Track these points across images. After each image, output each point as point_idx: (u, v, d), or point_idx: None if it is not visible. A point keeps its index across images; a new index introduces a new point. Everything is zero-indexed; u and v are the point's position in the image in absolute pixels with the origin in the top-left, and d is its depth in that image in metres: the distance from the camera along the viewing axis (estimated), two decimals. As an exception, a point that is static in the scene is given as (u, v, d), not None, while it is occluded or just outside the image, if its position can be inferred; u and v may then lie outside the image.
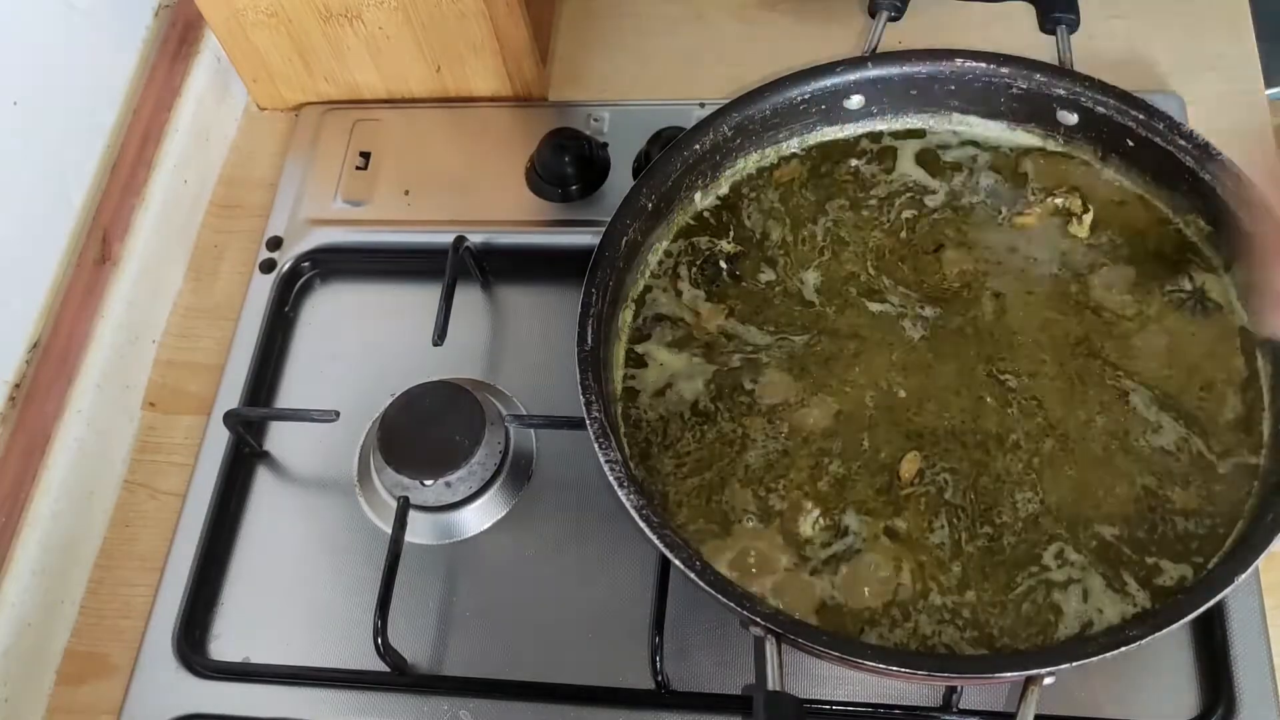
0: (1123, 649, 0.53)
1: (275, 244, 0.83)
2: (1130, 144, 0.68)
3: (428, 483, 0.70)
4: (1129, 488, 0.61)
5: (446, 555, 0.72)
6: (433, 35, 0.83)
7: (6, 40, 0.72)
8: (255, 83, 0.90)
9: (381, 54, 0.85)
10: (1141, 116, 0.67)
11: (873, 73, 0.71)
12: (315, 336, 0.81)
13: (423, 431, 0.71)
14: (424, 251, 0.80)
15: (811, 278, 0.70)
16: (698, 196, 0.72)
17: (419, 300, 0.79)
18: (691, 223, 0.72)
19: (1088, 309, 0.67)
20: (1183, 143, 0.65)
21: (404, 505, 0.70)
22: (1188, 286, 0.67)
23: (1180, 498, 0.61)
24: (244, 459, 0.76)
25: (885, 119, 0.74)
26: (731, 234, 0.71)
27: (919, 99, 0.73)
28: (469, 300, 0.80)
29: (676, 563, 0.56)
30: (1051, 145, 0.72)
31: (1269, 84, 0.82)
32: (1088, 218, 0.69)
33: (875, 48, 0.73)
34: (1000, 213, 0.71)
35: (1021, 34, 0.81)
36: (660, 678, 0.64)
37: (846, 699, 0.65)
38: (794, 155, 0.74)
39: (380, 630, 0.65)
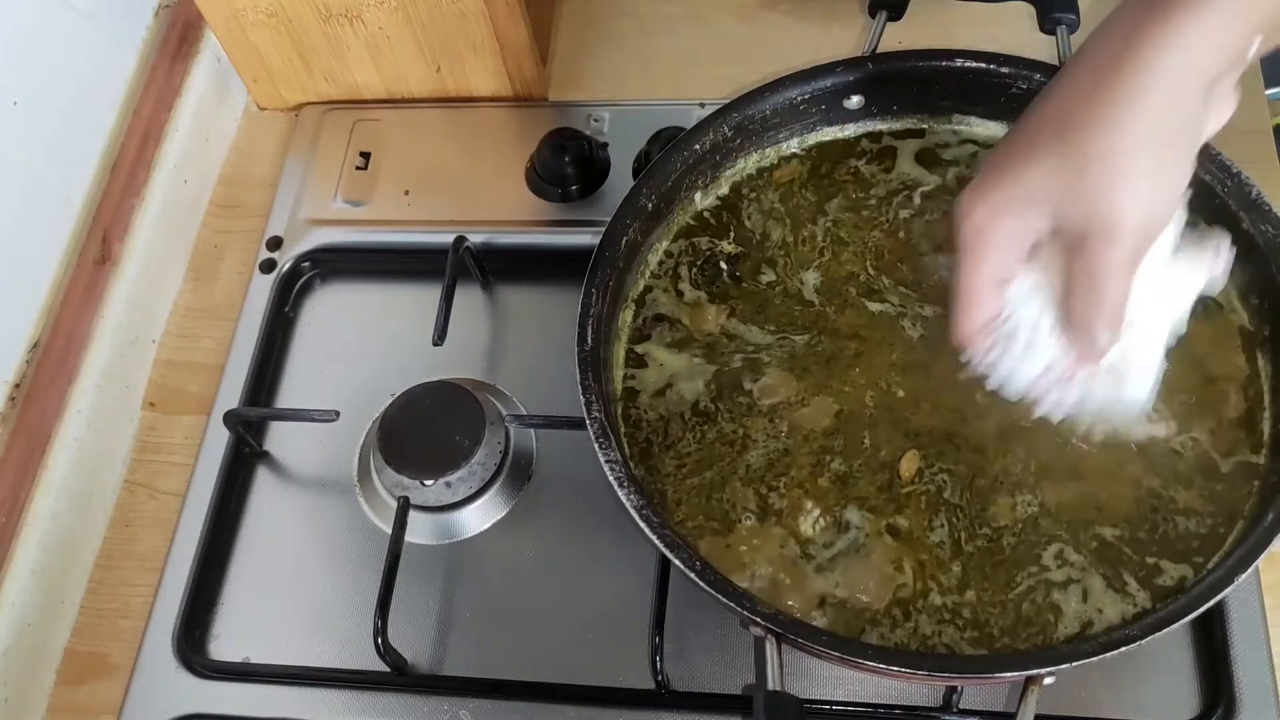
0: (1123, 649, 0.53)
1: (275, 244, 0.83)
2: (1130, 144, 0.68)
3: (428, 483, 0.70)
4: (1130, 487, 0.61)
5: (446, 555, 0.72)
6: (433, 35, 0.83)
7: (6, 40, 0.72)
8: (255, 83, 0.90)
9: (381, 54, 0.85)
10: (1141, 116, 0.67)
11: (873, 73, 0.71)
12: (315, 336, 0.81)
13: (423, 431, 0.71)
14: (424, 251, 0.80)
15: (811, 278, 0.70)
16: (698, 196, 0.72)
17: (419, 300, 0.79)
18: (692, 223, 0.72)
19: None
20: (1183, 143, 0.65)
21: (404, 505, 0.70)
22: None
23: (1182, 497, 0.61)
24: (244, 459, 0.76)
25: (885, 119, 0.74)
26: (732, 234, 0.71)
27: (919, 99, 0.73)
28: (469, 300, 0.80)
29: (676, 563, 0.56)
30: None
31: (1269, 84, 0.82)
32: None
33: (875, 48, 0.73)
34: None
35: (1021, 34, 0.81)
36: (660, 678, 0.64)
37: (846, 699, 0.65)
38: (794, 155, 0.74)
39: (380, 630, 0.65)
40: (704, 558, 0.56)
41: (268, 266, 0.82)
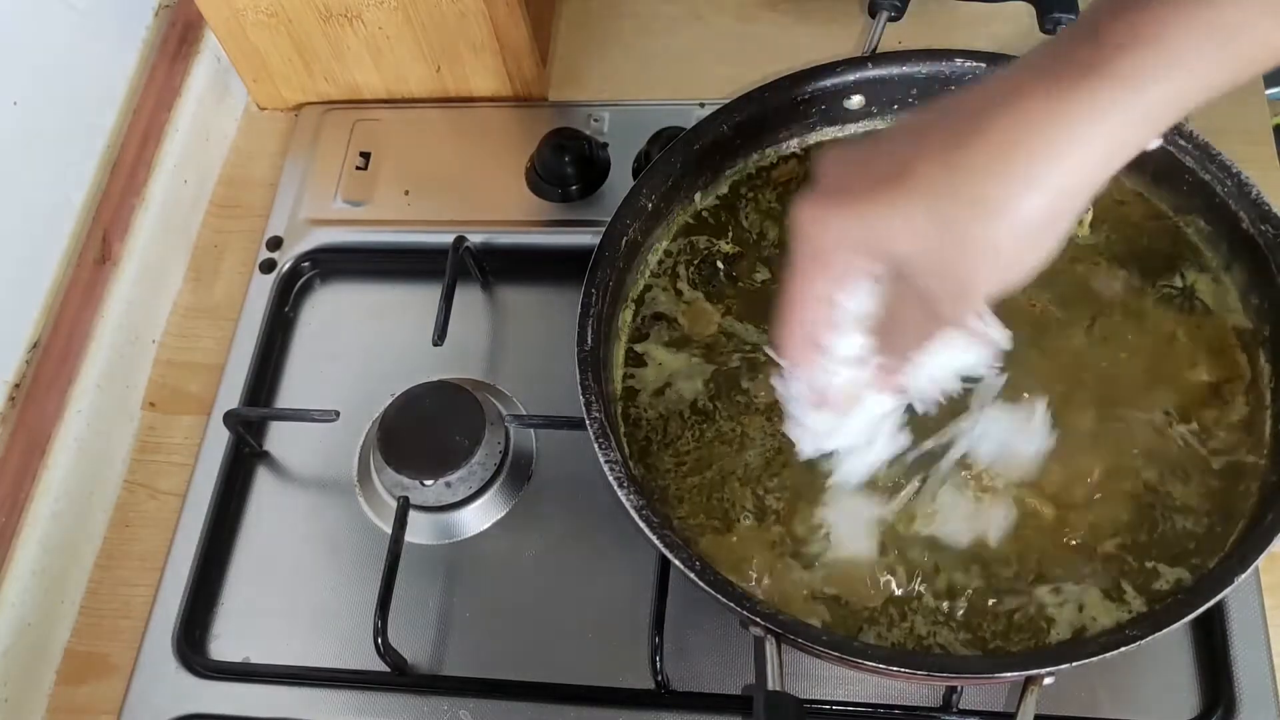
0: (1122, 649, 0.53)
1: (275, 244, 0.83)
2: (1130, 144, 0.68)
3: (428, 483, 0.70)
4: (1129, 481, 0.61)
5: (446, 555, 0.72)
6: (433, 35, 0.83)
7: (6, 40, 0.72)
8: (255, 83, 0.90)
9: (381, 54, 0.85)
10: (1141, 116, 0.67)
11: (873, 73, 0.71)
12: (315, 336, 0.81)
13: (423, 431, 0.71)
14: (424, 251, 0.80)
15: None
16: (698, 196, 0.72)
17: (419, 300, 0.79)
18: (690, 222, 0.72)
19: (1086, 305, 0.67)
20: (1183, 143, 0.65)
21: (404, 505, 0.70)
22: (1181, 284, 0.67)
23: (1180, 493, 0.61)
24: (244, 459, 0.76)
25: (885, 119, 0.74)
26: (730, 235, 0.71)
27: (919, 99, 0.73)
28: (469, 300, 0.80)
29: (676, 563, 0.56)
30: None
31: (1269, 84, 0.82)
32: (1088, 216, 0.69)
33: (875, 48, 0.73)
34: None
35: (1021, 34, 0.81)
36: (660, 678, 0.64)
37: (846, 699, 0.65)
38: (794, 155, 0.74)
39: (380, 630, 0.65)
40: (704, 557, 0.56)
41: (268, 266, 0.82)
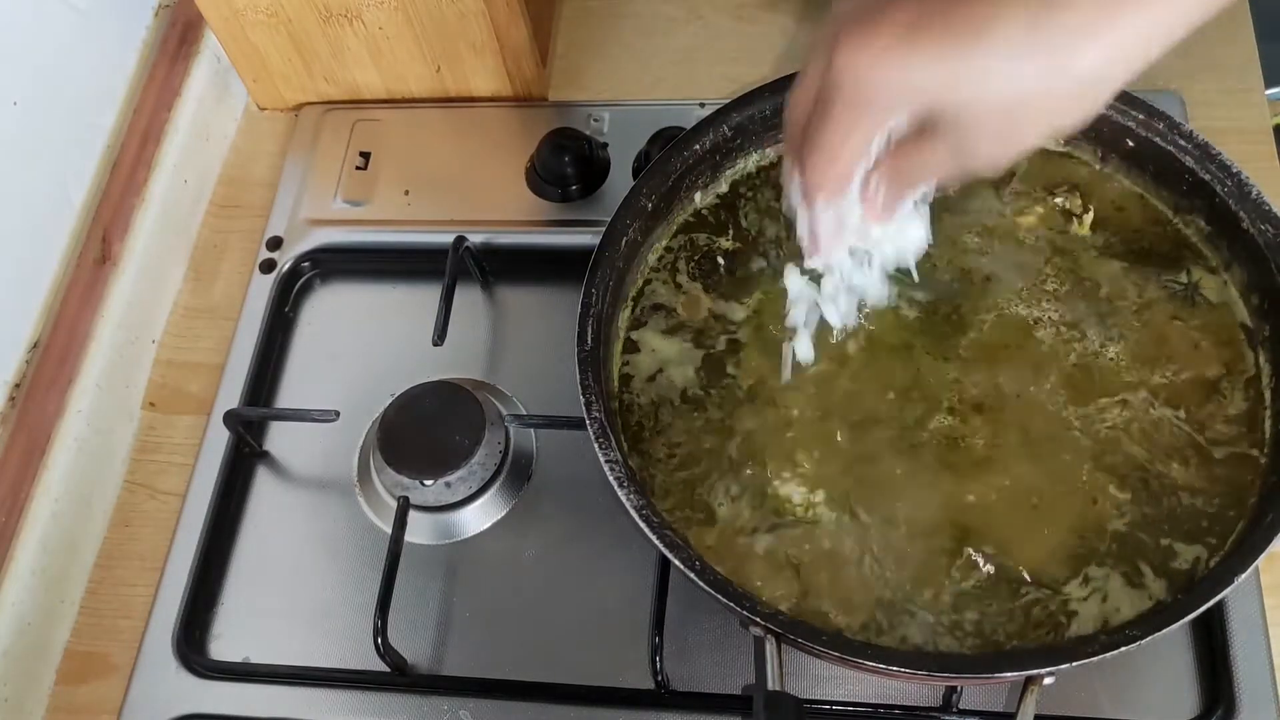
0: (1122, 649, 0.53)
1: (275, 244, 0.83)
2: (1130, 144, 0.68)
3: (428, 483, 0.70)
4: (1125, 467, 0.61)
5: (446, 555, 0.72)
6: (433, 35, 0.83)
7: (6, 40, 0.72)
8: (255, 83, 0.90)
9: (381, 54, 0.85)
10: (1141, 116, 0.67)
11: (872, 72, 0.71)
12: (315, 336, 0.81)
13: (422, 431, 0.71)
14: (424, 251, 0.80)
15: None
16: (698, 196, 0.72)
17: (419, 300, 0.79)
18: (690, 219, 0.72)
19: (1085, 304, 0.67)
20: (1183, 143, 0.65)
21: (404, 505, 0.70)
22: (1184, 281, 0.67)
23: (1181, 475, 0.61)
24: (244, 459, 0.76)
25: (885, 119, 0.73)
26: (730, 232, 0.71)
27: (918, 98, 0.72)
28: (469, 300, 0.80)
29: (676, 563, 0.56)
30: (1052, 145, 0.72)
31: (1269, 84, 0.82)
32: (1088, 217, 0.69)
33: (875, 47, 0.73)
34: (1004, 215, 0.71)
35: (1021, 34, 0.81)
36: (660, 678, 0.64)
37: (846, 699, 0.65)
38: (794, 154, 0.74)
39: (380, 630, 0.65)
40: (700, 554, 0.56)
41: (268, 266, 0.82)
